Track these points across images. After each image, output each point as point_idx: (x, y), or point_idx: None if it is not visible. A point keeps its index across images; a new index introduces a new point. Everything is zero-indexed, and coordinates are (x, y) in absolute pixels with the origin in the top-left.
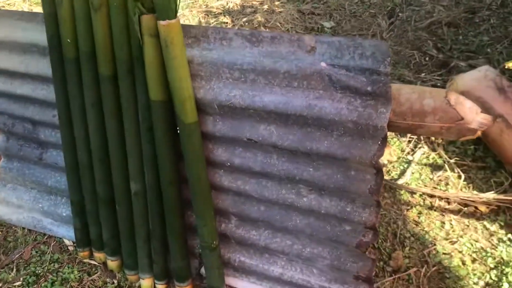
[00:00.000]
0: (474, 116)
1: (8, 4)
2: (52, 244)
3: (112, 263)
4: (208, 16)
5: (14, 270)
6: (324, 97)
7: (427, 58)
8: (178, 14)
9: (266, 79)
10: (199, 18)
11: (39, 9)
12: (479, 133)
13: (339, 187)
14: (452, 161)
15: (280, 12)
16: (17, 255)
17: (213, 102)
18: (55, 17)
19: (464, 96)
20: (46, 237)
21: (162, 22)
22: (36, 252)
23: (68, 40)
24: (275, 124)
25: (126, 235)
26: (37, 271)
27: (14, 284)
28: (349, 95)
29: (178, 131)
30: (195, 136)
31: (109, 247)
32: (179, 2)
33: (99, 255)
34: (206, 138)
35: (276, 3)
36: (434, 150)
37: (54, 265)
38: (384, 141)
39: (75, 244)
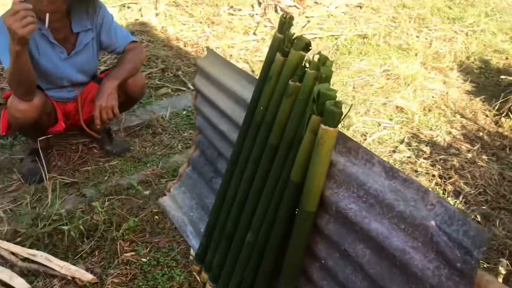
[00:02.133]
0: None
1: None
2: (181, 247)
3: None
4: None
5: (148, 249)
6: (419, 250)
7: None
8: (339, 126)
9: (381, 209)
10: None
11: (170, 29)
12: None
13: None
14: None
15: (481, 167)
16: (156, 239)
17: (333, 204)
18: (262, 88)
19: None
20: (181, 239)
21: (323, 126)
22: (169, 246)
23: (262, 107)
24: (371, 249)
25: (227, 271)
26: (160, 260)
27: (142, 258)
28: (440, 261)
29: (296, 212)
30: (307, 223)
31: (213, 273)
32: (344, 116)
33: (204, 276)
34: (316, 231)
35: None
36: None
37: (173, 262)
38: None
39: (194, 257)
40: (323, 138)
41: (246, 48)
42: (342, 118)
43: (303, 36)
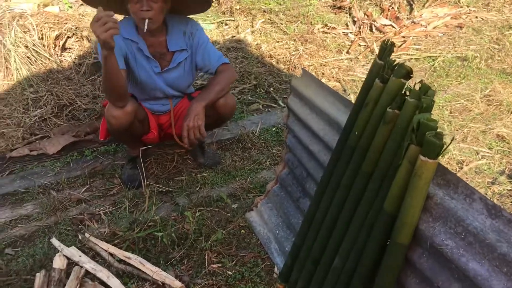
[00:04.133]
0: None
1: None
2: (266, 264)
3: None
4: None
5: (234, 262)
6: None
7: None
8: (439, 157)
9: (481, 249)
10: None
11: (264, 46)
12: None
13: None
14: None
15: None
16: (241, 253)
17: (428, 239)
18: (358, 113)
19: None
20: (266, 255)
21: (422, 157)
22: (254, 261)
23: (356, 132)
24: None
25: None
26: (244, 274)
27: (227, 271)
28: None
29: (388, 243)
30: (399, 256)
31: None
32: (445, 149)
33: None
34: (408, 264)
35: None
36: None
37: (257, 278)
38: None
39: (278, 275)
40: (421, 170)
41: (339, 67)
42: (443, 150)
43: (405, 64)
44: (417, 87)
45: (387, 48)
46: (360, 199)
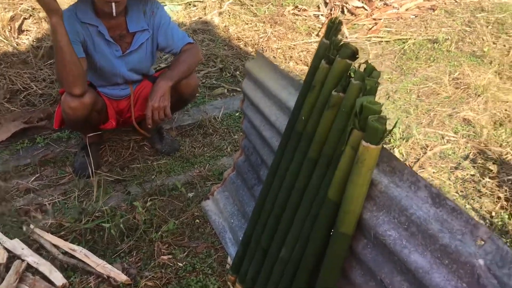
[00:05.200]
0: None
1: None
2: (219, 254)
3: None
4: None
5: (185, 253)
6: None
7: None
8: (382, 143)
9: (423, 240)
10: None
11: (232, 28)
12: None
13: None
14: None
15: None
16: (194, 244)
17: (371, 229)
18: (305, 96)
19: None
20: (220, 245)
21: (364, 143)
22: (206, 252)
23: (303, 117)
24: (409, 283)
25: (260, 286)
26: (196, 266)
27: (178, 263)
28: None
29: (332, 233)
30: (343, 246)
31: (247, 285)
32: (387, 134)
33: (238, 287)
34: (352, 254)
35: None
36: None
37: (209, 269)
38: None
39: (230, 266)
40: (364, 156)
41: (307, 50)
42: (386, 135)
43: (350, 43)
44: (362, 68)
45: (333, 26)
46: (307, 187)
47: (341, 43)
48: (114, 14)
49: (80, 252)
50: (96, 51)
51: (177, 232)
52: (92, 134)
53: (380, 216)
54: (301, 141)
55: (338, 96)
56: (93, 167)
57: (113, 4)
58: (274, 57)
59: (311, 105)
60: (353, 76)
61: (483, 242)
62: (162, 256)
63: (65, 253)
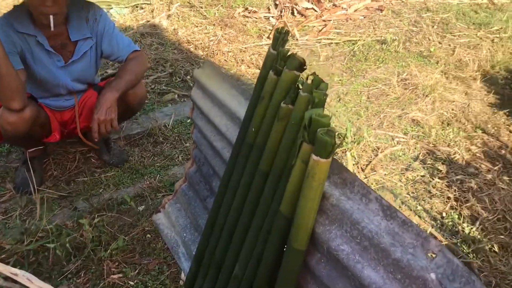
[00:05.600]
0: None
1: None
2: (172, 270)
3: None
4: None
5: (137, 271)
6: None
7: None
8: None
9: (376, 254)
10: None
11: (181, 31)
12: None
13: None
14: None
15: (501, 189)
16: (145, 261)
17: (325, 243)
18: (254, 107)
19: None
20: (173, 261)
21: (314, 157)
22: (159, 268)
23: (253, 129)
24: None
25: None
26: (148, 284)
27: (129, 281)
28: None
29: (285, 249)
30: (296, 262)
31: None
32: (337, 147)
33: None
34: (307, 269)
35: (505, 178)
36: None
37: (161, 287)
38: None
39: (184, 282)
40: (314, 170)
41: (259, 53)
42: (335, 148)
43: (297, 54)
44: (310, 80)
45: (280, 36)
46: (259, 201)
47: (288, 54)
48: (52, 28)
49: (23, 276)
50: (35, 62)
51: (127, 249)
52: (32, 150)
53: (333, 230)
54: (252, 153)
55: (287, 108)
56: (36, 183)
57: (51, 16)
58: (225, 60)
59: (260, 116)
60: (301, 88)
61: (434, 255)
62: (112, 276)
63: (6, 278)
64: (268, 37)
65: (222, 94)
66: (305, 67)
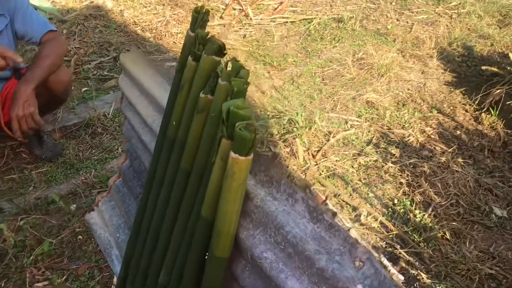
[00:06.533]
0: None
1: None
2: (104, 274)
3: None
4: None
5: (64, 277)
6: None
7: None
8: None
9: (300, 263)
10: None
11: (128, 12)
12: None
13: None
14: None
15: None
16: (74, 266)
17: (248, 250)
18: (175, 97)
19: None
20: (106, 264)
21: (232, 154)
22: (89, 273)
23: (174, 122)
24: None
25: None
26: None
27: None
28: None
29: (206, 257)
30: (218, 271)
31: None
32: (256, 144)
33: None
34: (232, 277)
35: (459, 160)
36: None
37: None
38: None
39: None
40: (233, 169)
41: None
42: (255, 144)
43: (215, 37)
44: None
45: (199, 16)
46: (181, 202)
47: (207, 37)
48: None
49: None
50: None
51: (55, 253)
52: None
53: (257, 235)
54: (174, 148)
55: (206, 98)
56: None
57: None
58: (174, 42)
59: (181, 107)
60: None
61: (362, 264)
62: (36, 284)
63: None
64: (221, 17)
65: (147, 82)
66: (225, 51)
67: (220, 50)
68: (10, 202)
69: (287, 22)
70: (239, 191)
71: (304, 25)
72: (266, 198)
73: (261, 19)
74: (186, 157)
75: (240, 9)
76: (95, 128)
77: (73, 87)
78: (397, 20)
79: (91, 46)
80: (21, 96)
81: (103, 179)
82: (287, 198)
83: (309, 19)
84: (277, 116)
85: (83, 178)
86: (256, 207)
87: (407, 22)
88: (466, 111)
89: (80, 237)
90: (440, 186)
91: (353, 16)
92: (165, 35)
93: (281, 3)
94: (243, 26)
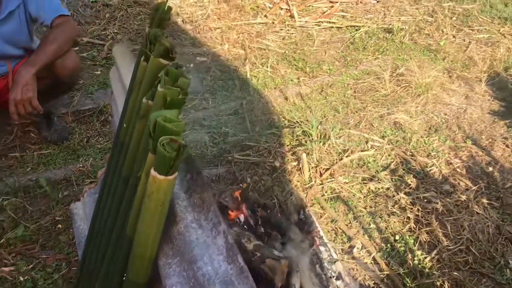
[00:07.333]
0: None
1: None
2: (73, 268)
3: None
4: None
5: (32, 265)
6: None
7: None
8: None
9: None
10: None
11: (174, 1)
12: None
13: None
14: None
15: (475, 214)
16: (44, 255)
17: (163, 279)
18: (129, 99)
19: None
20: (76, 257)
21: (152, 172)
22: (56, 265)
23: (125, 125)
24: None
25: None
26: (38, 281)
27: (20, 277)
28: None
29: (123, 280)
30: None
31: None
32: (179, 164)
33: None
34: None
35: (484, 200)
36: None
37: (51, 287)
38: None
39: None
40: (151, 188)
41: (248, 32)
42: (178, 164)
43: (165, 38)
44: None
45: (157, 14)
46: (118, 214)
47: (159, 37)
48: None
49: None
50: None
51: (29, 240)
52: None
53: (173, 264)
54: (121, 154)
55: (147, 104)
56: None
57: None
58: (210, 37)
59: (130, 111)
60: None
61: None
62: (3, 268)
63: None
64: (265, 16)
65: (127, 77)
66: (173, 55)
67: (168, 52)
68: (1, 181)
69: (332, 27)
70: (157, 212)
71: (350, 32)
72: (191, 225)
73: (306, 21)
74: (126, 165)
75: (287, 9)
76: (108, 115)
77: (85, 73)
78: (453, 36)
79: (129, 32)
80: (21, 80)
81: (98, 169)
82: (211, 228)
83: (357, 26)
84: (292, 126)
85: (80, 165)
86: (179, 234)
87: (464, 40)
88: (507, 146)
89: (59, 226)
90: (452, 228)
91: (404, 28)
92: (203, 29)
93: (332, 6)
94: (285, 27)
